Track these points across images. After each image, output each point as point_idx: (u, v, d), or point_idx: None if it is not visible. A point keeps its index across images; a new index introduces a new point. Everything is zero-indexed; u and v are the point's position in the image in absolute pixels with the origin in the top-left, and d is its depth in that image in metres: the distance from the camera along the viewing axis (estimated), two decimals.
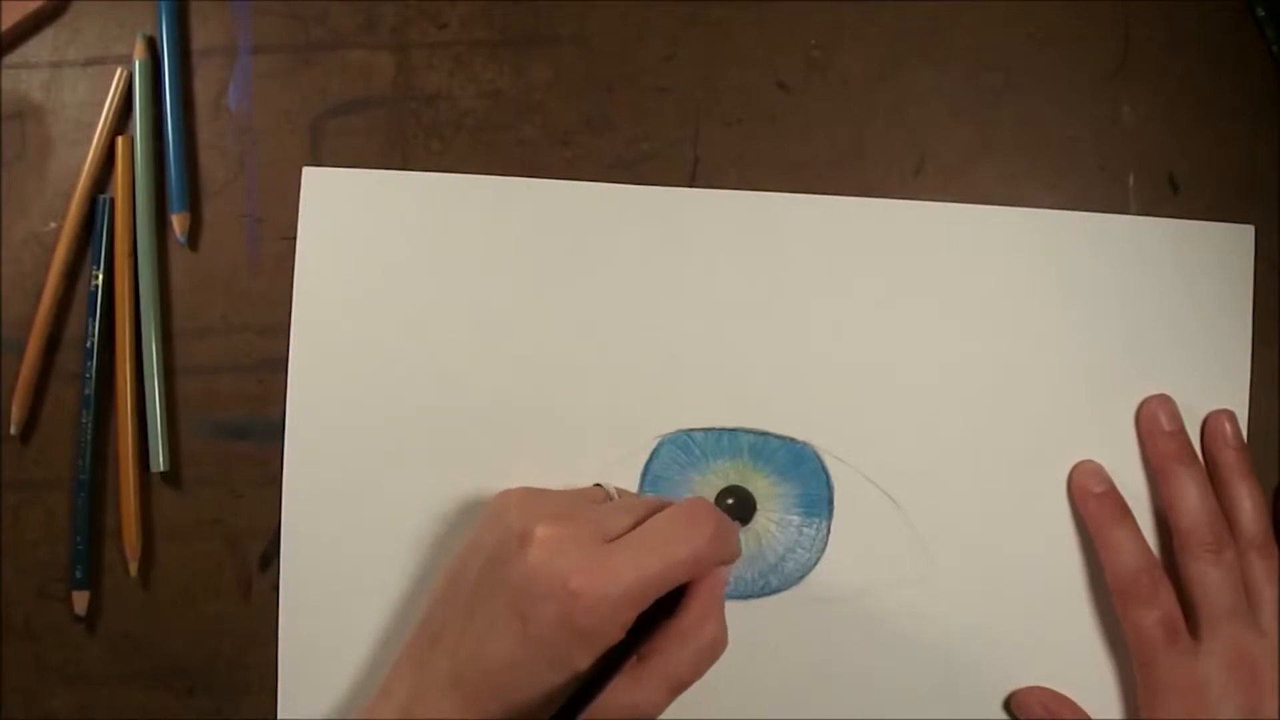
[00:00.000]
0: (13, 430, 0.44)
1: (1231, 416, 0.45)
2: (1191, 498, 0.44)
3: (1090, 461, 0.45)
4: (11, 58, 0.46)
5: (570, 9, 0.46)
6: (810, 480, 0.45)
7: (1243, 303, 0.46)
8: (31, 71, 0.45)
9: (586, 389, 0.45)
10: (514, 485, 0.43)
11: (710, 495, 0.45)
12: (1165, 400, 0.45)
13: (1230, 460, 0.45)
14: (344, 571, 0.44)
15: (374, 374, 0.45)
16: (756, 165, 0.46)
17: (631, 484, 0.45)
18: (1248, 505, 0.44)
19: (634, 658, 0.38)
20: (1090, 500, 0.45)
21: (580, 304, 0.45)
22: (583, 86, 0.46)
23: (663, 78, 0.46)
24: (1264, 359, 0.46)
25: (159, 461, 0.44)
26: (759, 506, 0.45)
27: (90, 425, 0.44)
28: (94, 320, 0.44)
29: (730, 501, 0.45)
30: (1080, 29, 0.47)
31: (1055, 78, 0.47)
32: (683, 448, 0.45)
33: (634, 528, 0.38)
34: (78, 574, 0.44)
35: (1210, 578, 0.43)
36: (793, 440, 0.45)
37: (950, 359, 0.45)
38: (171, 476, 0.45)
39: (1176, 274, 0.46)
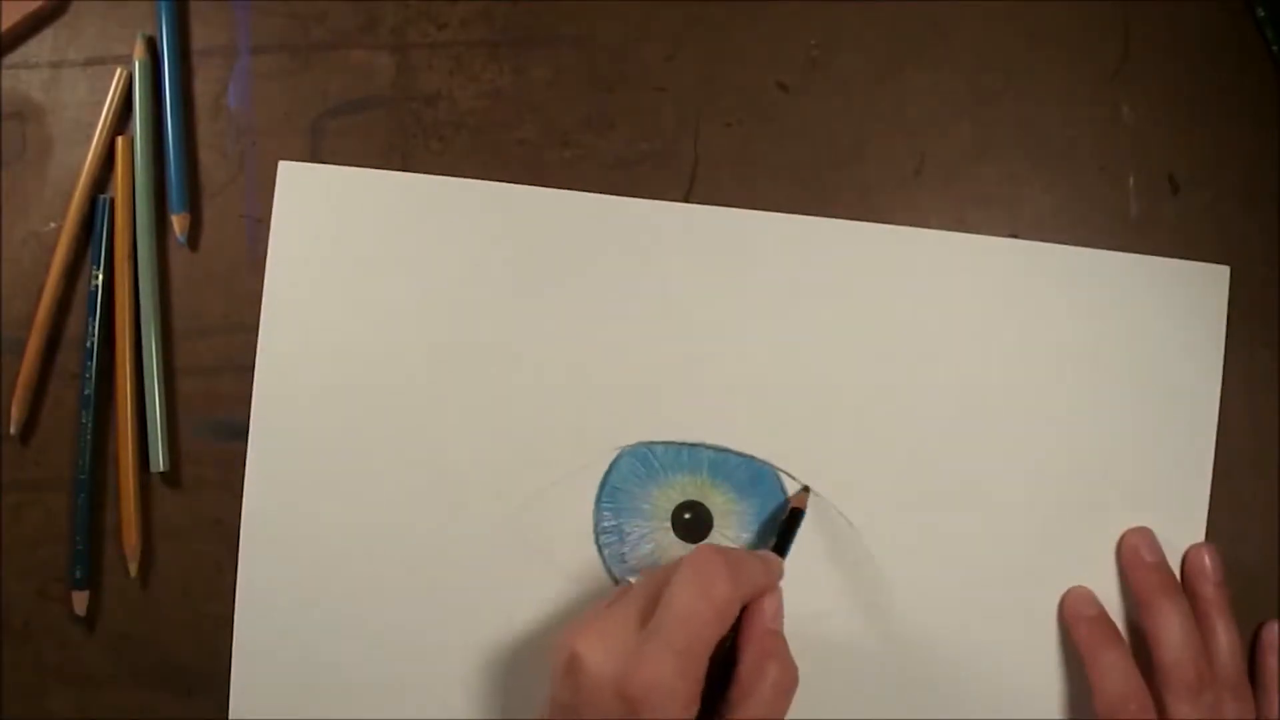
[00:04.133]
0: (13, 430, 0.44)
1: (1212, 550, 0.45)
2: (1175, 632, 0.43)
3: (1081, 587, 0.45)
4: (11, 58, 0.46)
5: (570, 9, 0.46)
6: (768, 500, 0.45)
7: (1214, 344, 0.46)
8: (31, 71, 0.45)
9: (552, 396, 0.45)
10: (477, 487, 0.44)
11: (668, 509, 0.45)
12: (1144, 532, 0.45)
13: (1210, 595, 0.44)
14: (303, 572, 0.44)
15: (340, 374, 0.45)
16: (756, 165, 0.46)
17: (589, 493, 0.45)
18: (1224, 644, 0.44)
19: None
20: (1082, 624, 0.44)
21: (551, 312, 0.45)
22: (583, 86, 0.46)
23: (663, 78, 0.46)
24: (1264, 361, 0.46)
25: (159, 462, 0.44)
26: (715, 524, 0.45)
27: (90, 425, 0.44)
28: (94, 320, 0.44)
29: (687, 516, 0.45)
30: (1080, 29, 0.47)
31: (1055, 78, 0.47)
32: (642, 460, 0.45)
33: (656, 600, 0.39)
34: (78, 574, 0.44)
35: (1191, 717, 0.43)
36: (752, 458, 0.45)
37: (915, 384, 0.45)
38: (171, 476, 0.45)
39: (1149, 311, 0.45)
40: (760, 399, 0.45)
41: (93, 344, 0.44)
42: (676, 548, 0.45)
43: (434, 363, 0.45)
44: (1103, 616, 0.45)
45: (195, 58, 0.46)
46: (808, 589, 0.44)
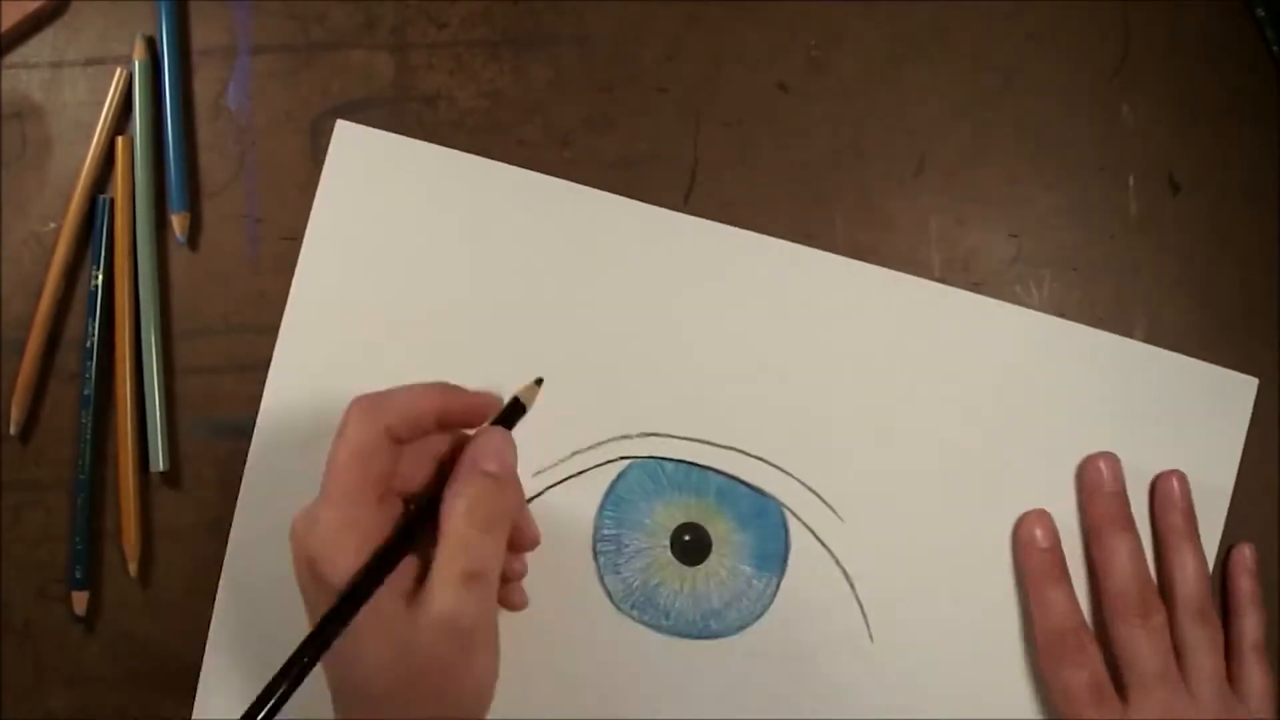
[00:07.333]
0: (13, 430, 0.44)
1: (1181, 477, 0.45)
2: (1123, 561, 0.44)
3: (1041, 511, 0.45)
4: (11, 58, 0.46)
5: (570, 9, 0.46)
6: (769, 535, 0.45)
7: (1230, 453, 0.45)
8: (31, 71, 0.45)
9: (563, 396, 0.44)
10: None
11: (669, 527, 0.45)
12: (1111, 459, 0.45)
13: (1177, 524, 0.44)
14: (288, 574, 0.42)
15: (364, 346, 0.45)
16: (756, 165, 0.46)
17: (594, 499, 0.45)
18: (1190, 572, 0.44)
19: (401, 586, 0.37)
20: (1034, 554, 0.44)
21: (571, 311, 0.45)
22: (583, 86, 0.46)
23: (663, 78, 0.46)
24: (1265, 362, 0.46)
25: (158, 462, 0.44)
26: (714, 549, 0.45)
27: (90, 425, 0.44)
28: (94, 320, 0.44)
29: (686, 538, 0.45)
30: (1080, 29, 0.47)
31: (1055, 78, 0.47)
32: (651, 474, 0.45)
33: None
34: (78, 574, 0.44)
35: (1138, 641, 0.43)
36: (761, 492, 0.45)
37: (931, 443, 0.45)
38: (171, 477, 0.45)
39: (1168, 408, 0.45)
40: (777, 436, 0.45)
41: (93, 344, 0.44)
42: (672, 567, 0.45)
43: (452, 348, 0.45)
44: (1055, 550, 0.44)
45: (195, 58, 0.46)
46: (792, 628, 0.44)
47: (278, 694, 0.34)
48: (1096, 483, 0.45)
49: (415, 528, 0.37)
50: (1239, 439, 0.45)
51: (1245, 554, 0.45)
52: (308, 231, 0.45)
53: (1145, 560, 0.44)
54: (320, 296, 0.45)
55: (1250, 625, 0.44)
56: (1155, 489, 0.45)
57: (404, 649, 0.35)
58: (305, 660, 0.34)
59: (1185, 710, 0.42)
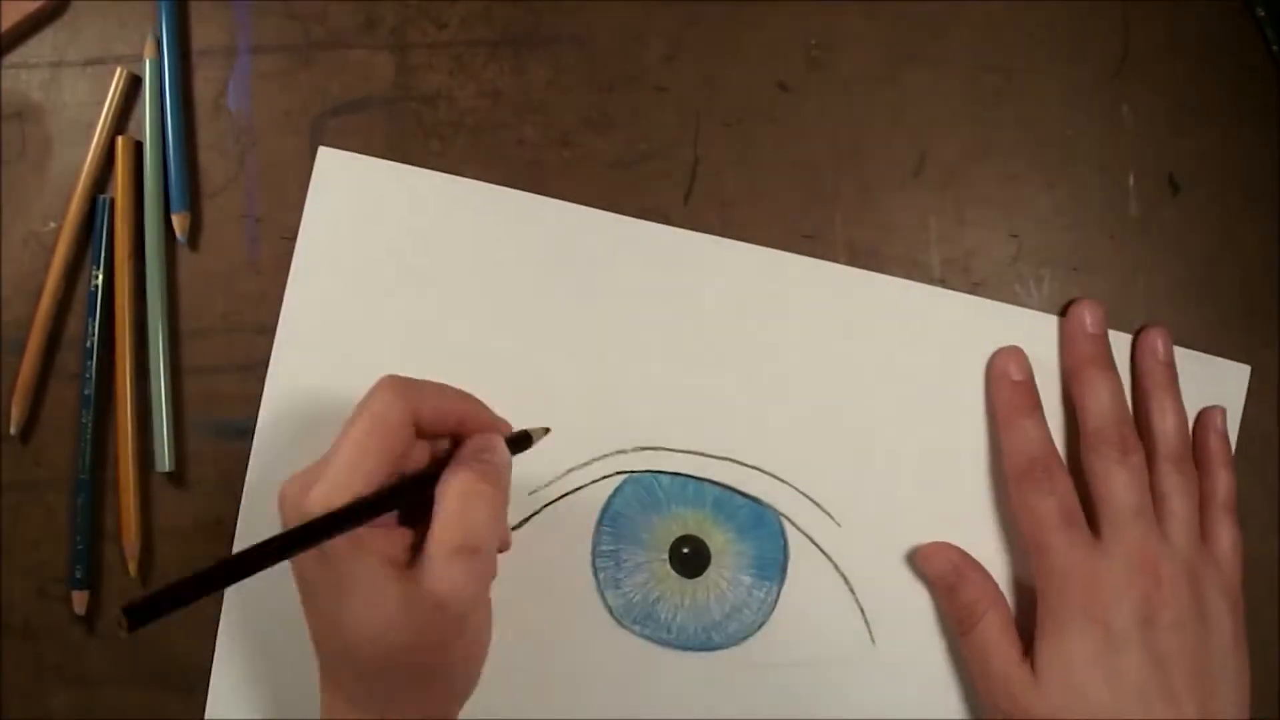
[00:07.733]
0: (13, 430, 0.44)
1: (1164, 333, 0.44)
2: (1102, 399, 0.43)
3: (1015, 349, 0.44)
4: (11, 58, 0.46)
5: (570, 9, 0.46)
6: (767, 544, 0.44)
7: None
8: (31, 71, 0.45)
9: (560, 413, 0.44)
10: None
11: (667, 541, 0.45)
12: (1094, 305, 0.44)
13: (1158, 372, 0.44)
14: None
15: (352, 371, 0.44)
16: (756, 165, 0.46)
17: (591, 516, 0.45)
18: (1170, 419, 0.43)
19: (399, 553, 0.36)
20: (1005, 386, 0.44)
21: (567, 329, 0.45)
22: (583, 86, 0.46)
23: (663, 78, 0.46)
24: (1264, 361, 0.46)
25: (164, 462, 0.44)
26: (713, 561, 0.45)
27: (90, 425, 0.44)
28: (94, 320, 0.44)
29: (685, 551, 0.45)
30: (1080, 29, 0.47)
31: (1055, 78, 0.47)
32: (647, 489, 0.44)
33: None
34: (78, 574, 0.44)
35: (1115, 477, 0.42)
36: (757, 501, 0.45)
37: (926, 444, 0.45)
38: (173, 476, 0.45)
39: None
40: (773, 444, 0.45)
41: (93, 344, 0.44)
42: (671, 580, 0.45)
43: (445, 366, 0.44)
44: (1028, 383, 0.44)
45: (195, 58, 0.46)
46: (793, 636, 0.44)
47: (197, 593, 0.33)
48: (1079, 326, 0.44)
49: (401, 496, 0.36)
50: (1234, 421, 0.46)
51: (1217, 416, 0.44)
52: (296, 251, 0.45)
53: (1125, 402, 0.43)
54: (312, 318, 0.45)
55: (1221, 484, 0.44)
56: (1137, 341, 0.45)
57: (392, 620, 0.35)
58: (236, 571, 0.34)
59: (1158, 551, 0.41)
